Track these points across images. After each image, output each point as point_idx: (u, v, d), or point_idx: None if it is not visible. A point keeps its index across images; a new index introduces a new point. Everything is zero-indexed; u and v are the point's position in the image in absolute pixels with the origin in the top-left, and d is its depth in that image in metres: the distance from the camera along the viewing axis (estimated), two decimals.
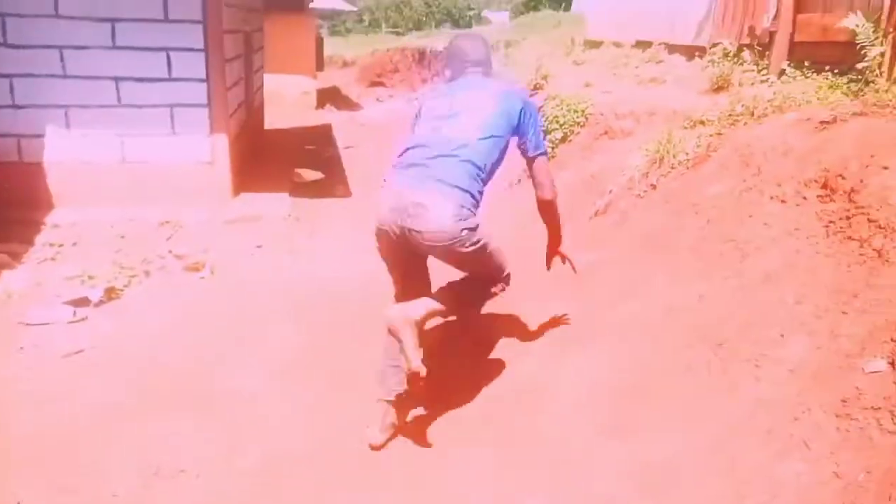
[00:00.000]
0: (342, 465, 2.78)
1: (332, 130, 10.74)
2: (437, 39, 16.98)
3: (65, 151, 5.83)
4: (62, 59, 5.68)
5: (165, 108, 5.92)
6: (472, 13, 26.00)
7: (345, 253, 5.15)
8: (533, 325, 3.45)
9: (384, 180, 2.78)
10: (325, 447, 2.87)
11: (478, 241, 2.63)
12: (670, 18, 7.46)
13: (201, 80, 5.91)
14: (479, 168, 2.66)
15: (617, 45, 8.48)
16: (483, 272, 2.79)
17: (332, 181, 7.37)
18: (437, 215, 2.57)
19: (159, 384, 3.28)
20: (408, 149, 2.77)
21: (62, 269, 4.65)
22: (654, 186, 3.99)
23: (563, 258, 3.12)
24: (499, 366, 3.26)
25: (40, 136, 5.77)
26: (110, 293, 4.29)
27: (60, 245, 5.15)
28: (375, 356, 3.54)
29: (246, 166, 6.98)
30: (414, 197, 2.59)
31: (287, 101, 13.11)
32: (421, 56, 16.62)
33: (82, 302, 4.12)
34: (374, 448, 2.83)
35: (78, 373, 3.36)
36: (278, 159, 8.04)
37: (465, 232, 2.59)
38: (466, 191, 2.62)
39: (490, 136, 2.70)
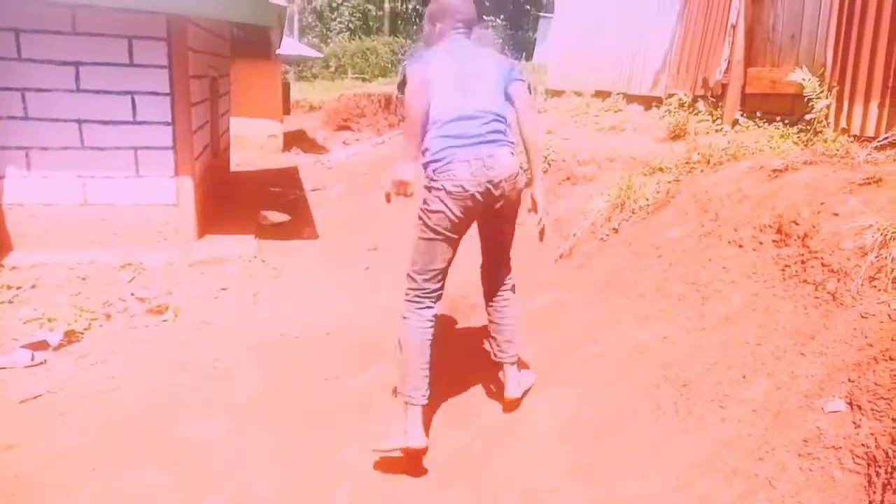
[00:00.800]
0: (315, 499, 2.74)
1: (299, 173, 10.77)
2: None
3: (25, 193, 5.73)
4: (24, 101, 5.63)
5: (130, 150, 5.89)
6: None
7: (310, 295, 5.14)
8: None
9: (436, 157, 2.85)
10: (290, 492, 2.82)
11: (520, 188, 3.00)
12: (629, 70, 7.76)
13: (167, 124, 5.91)
14: (507, 125, 2.98)
15: (577, 94, 8.76)
16: (511, 236, 3.20)
17: (299, 223, 7.36)
18: (506, 159, 2.89)
19: (121, 431, 3.20)
20: (448, 121, 2.86)
21: (20, 312, 4.53)
22: (616, 230, 4.10)
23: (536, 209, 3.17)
24: (468, 406, 3.27)
25: (0, 177, 5.68)
26: (70, 336, 4.18)
27: (19, 287, 5.02)
28: (337, 399, 3.53)
29: (211, 208, 6.94)
30: (484, 151, 2.84)
31: (254, 143, 13.14)
32: (387, 101, 16.87)
33: (41, 345, 4.01)
34: (422, 450, 2.87)
35: (36, 419, 3.25)
36: (244, 201, 8.03)
37: (520, 172, 2.98)
38: (511, 142, 2.97)
39: (501, 102, 2.99)
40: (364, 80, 25.58)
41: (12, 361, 3.85)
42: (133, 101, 5.79)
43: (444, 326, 4.15)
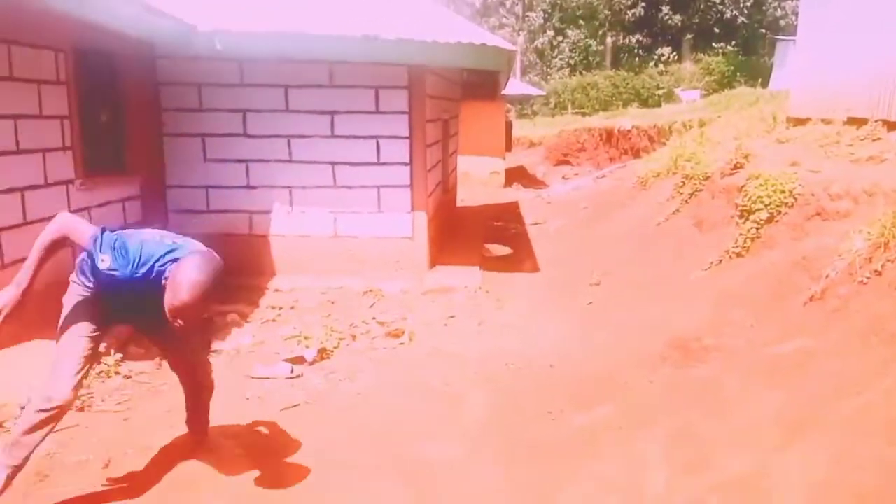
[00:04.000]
0: None
1: (520, 207, 11.05)
2: (624, 119, 17.01)
3: (287, 226, 6.56)
4: (289, 146, 6.48)
5: (373, 188, 6.50)
6: (661, 92, 25.72)
7: (532, 327, 5.22)
8: (742, 416, 3.24)
9: None
10: None
11: None
12: (890, 94, 6.89)
13: (405, 164, 6.44)
14: None
15: (826, 121, 7.95)
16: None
17: (520, 256, 7.54)
18: None
19: (363, 443, 3.49)
20: None
21: (282, 330, 5.18)
22: (879, 272, 3.65)
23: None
24: (703, 455, 3.08)
25: (268, 212, 6.56)
26: (322, 353, 4.68)
27: (280, 308, 5.75)
28: (561, 434, 3.52)
29: (441, 241, 7.38)
30: None
31: (477, 180, 13.77)
32: (608, 134, 16.71)
33: (299, 360, 4.54)
34: None
35: (294, 426, 3.67)
36: (469, 235, 8.42)
37: None
38: None
39: None
40: (584, 114, 25.60)
41: (275, 373, 4.40)
42: (377, 144, 6.40)
43: (674, 370, 3.99)
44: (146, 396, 4.05)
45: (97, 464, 3.25)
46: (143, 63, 6.14)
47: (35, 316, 4.49)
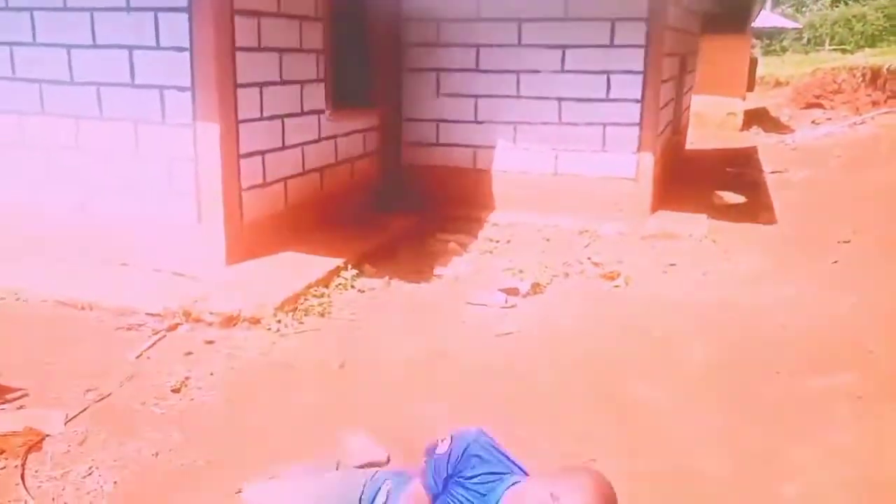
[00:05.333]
0: (761, 490, 2.62)
1: (758, 153, 10.11)
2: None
3: (509, 162, 6.65)
4: (518, 82, 6.49)
5: (599, 126, 6.32)
6: None
7: (763, 282, 4.82)
8: None
9: None
10: (734, 476, 2.72)
11: None
12: None
13: (636, 101, 6.15)
14: None
15: None
16: None
17: (755, 206, 6.94)
18: None
19: (574, 378, 3.53)
20: None
21: (498, 262, 5.34)
22: None
23: None
24: None
25: (491, 147, 6.68)
26: (536, 288, 4.76)
27: (497, 241, 5.92)
28: (790, 396, 3.25)
29: (666, 185, 7.02)
30: None
31: (711, 121, 12.78)
32: (873, 75, 14.51)
33: (513, 291, 4.66)
34: None
35: (509, 351, 3.81)
36: (698, 180, 7.91)
37: None
38: None
39: None
40: (845, 51, 22.39)
41: (491, 301, 4.57)
42: (608, 79, 6.18)
43: None
44: (376, 310, 4.44)
45: (334, 363, 3.65)
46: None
47: (288, 231, 5.13)
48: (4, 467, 2.60)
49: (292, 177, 5.31)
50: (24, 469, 2.60)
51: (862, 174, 7.58)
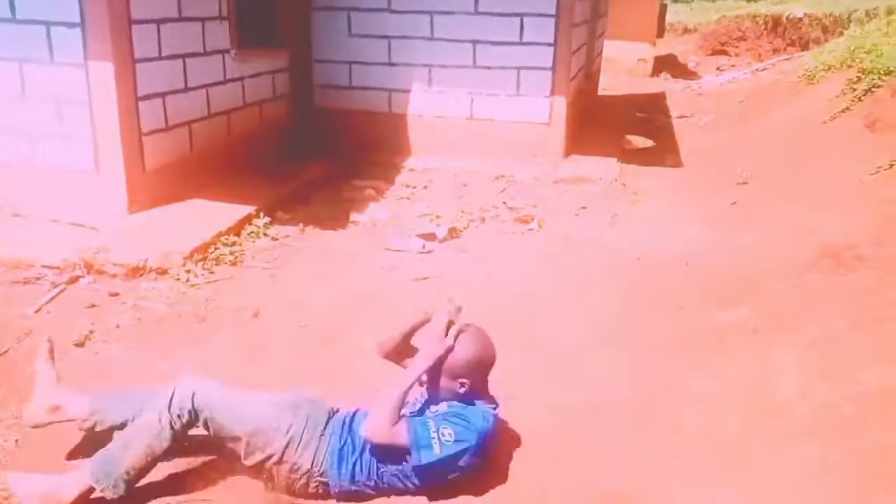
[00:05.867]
0: (664, 417, 2.78)
1: (666, 99, 10.40)
2: (795, 6, 15.23)
3: (424, 106, 6.57)
4: (431, 23, 6.36)
5: (513, 69, 6.30)
6: None
7: (670, 223, 5.02)
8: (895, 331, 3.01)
9: None
10: (640, 405, 2.87)
11: None
12: None
13: (549, 45, 6.16)
14: None
15: None
16: None
17: (663, 150, 7.17)
18: None
19: (490, 319, 3.58)
20: None
21: (415, 207, 5.33)
22: None
23: None
24: (841, 370, 2.92)
25: (407, 91, 6.57)
26: (452, 232, 4.79)
27: (414, 187, 5.89)
28: (691, 330, 3.44)
29: (579, 129, 7.13)
30: None
31: (622, 67, 13.00)
32: (774, 23, 15.10)
33: (430, 237, 4.67)
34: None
35: (427, 295, 3.84)
36: (609, 124, 8.07)
37: None
38: None
39: None
40: (749, 0, 23.11)
41: (408, 246, 4.57)
42: (521, 22, 6.14)
43: (823, 277, 3.74)
44: (291, 257, 4.36)
45: (248, 312, 3.58)
46: None
47: (195, 179, 4.91)
48: None
49: (197, 120, 5.06)
50: None
51: (762, 119, 7.92)
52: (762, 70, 12.14)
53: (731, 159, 6.49)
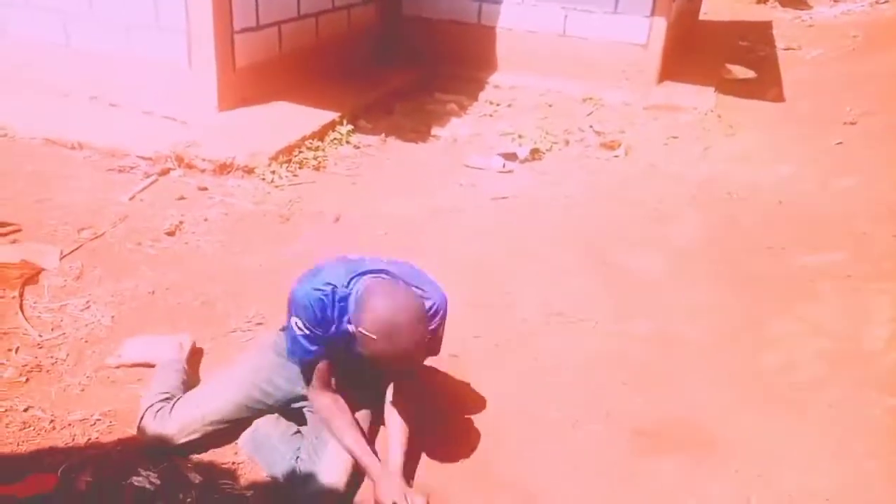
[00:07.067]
0: (740, 355, 2.72)
1: (773, 28, 9.68)
2: None
3: (515, 19, 6.31)
4: None
5: None
6: None
7: (765, 160, 4.76)
8: None
9: None
10: (717, 344, 2.81)
11: None
12: None
13: None
14: None
15: None
16: None
17: (765, 82, 6.72)
18: None
19: (567, 243, 3.54)
20: None
21: (498, 126, 5.22)
22: None
23: None
24: None
25: (498, 2, 6.32)
26: (534, 154, 4.68)
27: (498, 104, 5.75)
28: (778, 270, 3.30)
29: (675, 54, 6.74)
30: None
31: None
32: None
33: (511, 157, 4.59)
34: None
35: (504, 215, 3.81)
36: (709, 52, 7.60)
37: None
38: None
39: None
40: None
41: (489, 165, 4.51)
42: None
43: None
44: (371, 166, 4.37)
45: (330, 216, 3.64)
46: None
47: (282, 80, 4.94)
48: (2, 297, 2.63)
49: (286, 21, 5.03)
50: (22, 300, 2.62)
51: (877, 56, 7.28)
52: (883, 2, 11.08)
53: (840, 97, 6.03)
